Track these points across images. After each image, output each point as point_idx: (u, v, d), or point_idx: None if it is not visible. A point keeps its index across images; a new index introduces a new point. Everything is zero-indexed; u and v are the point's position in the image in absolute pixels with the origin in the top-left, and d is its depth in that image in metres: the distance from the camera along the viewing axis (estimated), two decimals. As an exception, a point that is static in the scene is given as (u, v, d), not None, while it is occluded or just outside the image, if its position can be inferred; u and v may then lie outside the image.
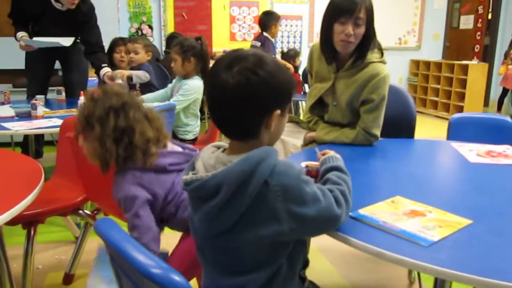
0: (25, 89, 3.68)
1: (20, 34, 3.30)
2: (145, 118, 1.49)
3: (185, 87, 3.01)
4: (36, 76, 3.59)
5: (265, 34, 4.80)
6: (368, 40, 1.82)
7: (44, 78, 3.63)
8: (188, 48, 2.93)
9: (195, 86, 3.03)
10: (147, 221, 1.42)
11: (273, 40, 4.87)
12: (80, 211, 2.15)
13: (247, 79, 0.96)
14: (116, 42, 3.68)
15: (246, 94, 0.97)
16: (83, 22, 3.42)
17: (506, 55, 6.74)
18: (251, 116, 0.99)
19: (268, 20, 4.80)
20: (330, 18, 1.81)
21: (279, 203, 0.94)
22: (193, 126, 3.23)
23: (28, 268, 1.91)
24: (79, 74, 3.66)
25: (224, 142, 1.10)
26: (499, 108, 6.99)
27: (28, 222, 1.93)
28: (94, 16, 3.50)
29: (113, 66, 3.54)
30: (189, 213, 1.09)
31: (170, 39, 4.96)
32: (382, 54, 1.89)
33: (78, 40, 3.53)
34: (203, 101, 3.30)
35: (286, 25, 6.85)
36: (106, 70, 3.38)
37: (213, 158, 1.02)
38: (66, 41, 3.30)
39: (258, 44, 4.74)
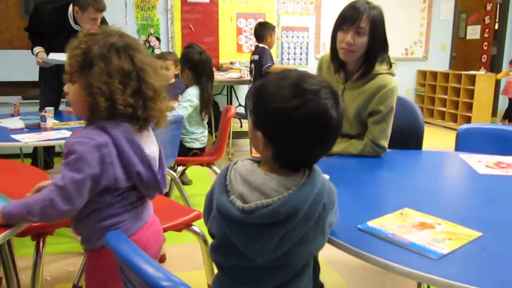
0: (34, 100, 3.73)
1: (37, 49, 3.36)
2: (152, 69, 1.28)
3: (185, 94, 3.21)
4: (49, 87, 3.64)
5: (261, 45, 4.82)
6: (374, 52, 1.82)
7: (57, 90, 3.68)
8: (185, 60, 3.13)
9: (193, 93, 3.19)
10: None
11: (270, 50, 4.88)
12: None
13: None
14: None
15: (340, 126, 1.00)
16: None
17: (511, 63, 6.73)
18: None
19: (262, 31, 4.82)
20: (336, 26, 1.85)
21: (327, 218, 1.00)
22: (199, 134, 3.29)
23: (37, 279, 1.90)
24: None
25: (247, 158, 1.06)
26: (505, 118, 6.96)
27: (37, 233, 1.93)
28: None
29: None
30: (222, 240, 1.01)
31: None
32: (390, 66, 1.90)
33: None
34: (210, 112, 3.36)
35: (292, 37, 6.88)
36: None
37: (272, 181, 0.96)
38: None
39: (257, 57, 4.76)
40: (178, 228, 1.99)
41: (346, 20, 1.79)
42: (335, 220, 1.09)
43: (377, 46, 1.82)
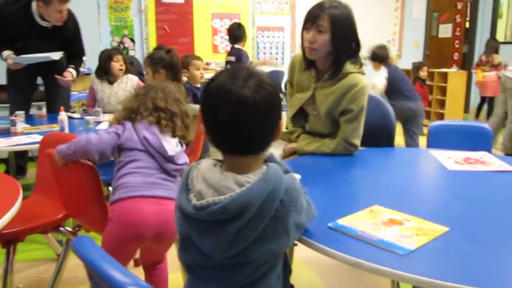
0: (3, 105, 3.64)
1: (6, 52, 3.28)
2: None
3: None
4: (19, 91, 3.56)
5: (236, 46, 4.83)
6: (340, 51, 1.84)
7: (27, 94, 3.61)
8: (157, 60, 3.03)
9: None
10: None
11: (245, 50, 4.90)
12: (61, 228, 2.12)
13: (270, 93, 0.99)
14: (112, 52, 3.70)
15: (270, 107, 1.00)
16: (70, 38, 3.45)
17: (480, 62, 6.81)
18: (272, 129, 1.03)
19: (241, 32, 4.84)
20: (302, 27, 1.88)
21: (290, 217, 1.00)
22: None
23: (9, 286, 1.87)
24: (62, 88, 3.64)
25: (212, 158, 1.09)
26: (477, 115, 7.14)
27: (8, 240, 1.89)
28: (79, 32, 3.56)
29: (111, 76, 3.56)
30: (184, 239, 1.04)
31: None
32: (361, 65, 1.92)
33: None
34: None
35: (268, 36, 6.90)
36: (69, 70, 3.52)
37: (225, 178, 0.98)
38: (56, 55, 3.30)
39: (233, 58, 4.76)
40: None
41: (308, 19, 1.83)
42: (307, 220, 1.09)
43: (341, 45, 1.83)
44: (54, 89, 3.63)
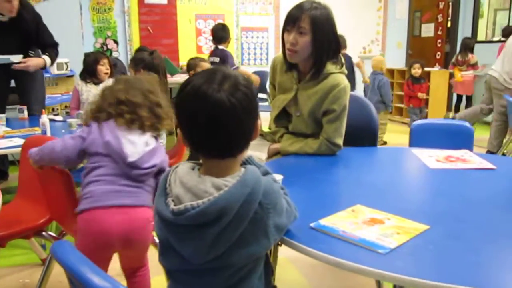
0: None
1: None
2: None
3: None
4: None
5: (220, 47, 4.81)
6: (321, 52, 1.84)
7: (1, 98, 3.55)
8: (138, 61, 3.04)
9: None
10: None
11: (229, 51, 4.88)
12: (44, 233, 2.09)
13: (245, 95, 0.99)
14: (99, 56, 3.68)
15: (247, 109, 0.99)
16: (30, 29, 3.40)
17: (456, 62, 6.88)
18: (249, 131, 1.02)
19: (225, 33, 4.83)
20: (282, 29, 1.88)
21: (270, 219, 0.99)
22: None
23: None
24: (36, 91, 3.62)
25: (190, 161, 1.08)
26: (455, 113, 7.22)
27: None
28: (41, 21, 3.49)
29: (96, 79, 3.55)
30: (164, 244, 1.04)
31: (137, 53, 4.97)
32: (342, 66, 1.93)
33: (31, 54, 3.48)
34: None
35: (252, 37, 6.91)
36: (44, 57, 3.49)
37: (203, 182, 0.97)
38: (15, 58, 3.26)
39: (217, 59, 4.74)
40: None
41: (289, 21, 1.83)
42: (288, 222, 1.09)
43: (322, 46, 1.83)
44: (27, 90, 3.58)
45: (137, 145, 1.68)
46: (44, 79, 3.70)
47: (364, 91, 5.78)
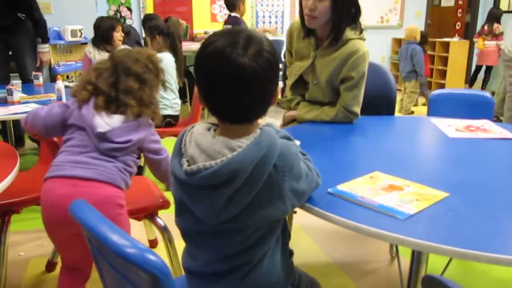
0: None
1: None
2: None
3: None
4: None
5: (233, 14, 4.72)
6: (340, 17, 1.79)
7: (4, 66, 3.60)
8: (153, 28, 3.01)
9: (168, 59, 3.14)
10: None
11: (243, 19, 4.79)
12: None
13: (268, 61, 0.96)
14: (115, 22, 3.66)
15: (269, 75, 0.97)
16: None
17: (482, 31, 6.71)
18: (268, 97, 1.00)
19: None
20: None
21: (285, 182, 0.98)
22: (171, 102, 3.23)
23: (2, 260, 1.86)
24: (31, 55, 3.68)
25: (206, 122, 1.07)
26: (471, 85, 7.10)
27: (3, 212, 1.89)
28: None
29: (109, 46, 3.55)
30: (180, 205, 1.04)
31: (145, 21, 4.93)
32: (361, 31, 1.88)
33: (22, 17, 3.50)
34: (184, 83, 3.33)
35: (267, 5, 6.78)
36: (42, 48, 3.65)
37: (216, 143, 0.96)
38: None
39: (230, 27, 4.66)
40: (136, 217, 1.84)
41: None
42: (309, 188, 1.06)
43: (341, 11, 1.78)
44: (22, 57, 3.67)
45: (112, 118, 1.56)
46: (36, 47, 3.75)
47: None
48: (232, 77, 0.93)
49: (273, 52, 0.98)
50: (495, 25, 6.45)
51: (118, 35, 3.62)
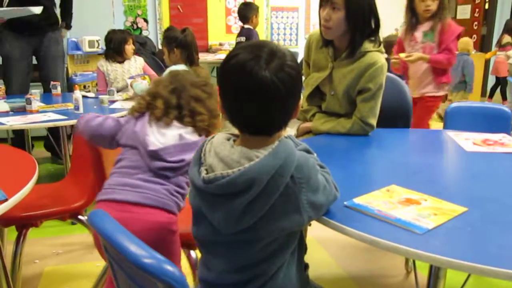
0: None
1: None
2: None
3: (164, 73, 3.24)
4: (16, 74, 3.55)
5: (246, 26, 4.76)
6: (355, 28, 1.79)
7: (24, 76, 3.62)
8: (171, 39, 3.04)
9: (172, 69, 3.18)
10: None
11: (256, 31, 4.82)
12: (80, 217, 2.03)
13: (290, 76, 0.96)
14: (127, 35, 3.73)
15: (290, 90, 0.96)
16: None
17: (498, 43, 6.74)
18: (288, 111, 1.00)
19: (247, 11, 4.75)
20: (319, 3, 1.84)
21: (302, 194, 0.97)
22: None
23: (17, 271, 1.86)
24: (56, 67, 3.71)
25: (225, 132, 1.08)
26: (490, 96, 7.06)
27: (22, 225, 1.88)
28: None
29: (121, 57, 3.62)
30: (197, 213, 1.05)
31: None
32: (380, 44, 1.88)
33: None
34: None
35: (282, 17, 6.81)
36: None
37: (235, 152, 0.98)
38: (36, 9, 3.22)
39: (243, 39, 4.69)
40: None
41: None
42: (327, 201, 1.06)
43: (357, 22, 1.78)
44: (46, 68, 3.68)
45: (166, 135, 1.50)
46: (65, 56, 3.78)
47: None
48: (253, 90, 0.94)
49: (295, 66, 0.98)
50: (504, 36, 6.49)
51: (129, 47, 3.69)
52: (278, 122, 1.01)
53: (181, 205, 1.53)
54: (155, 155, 1.46)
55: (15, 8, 3.20)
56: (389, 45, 4.67)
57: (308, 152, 1.06)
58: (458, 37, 2.92)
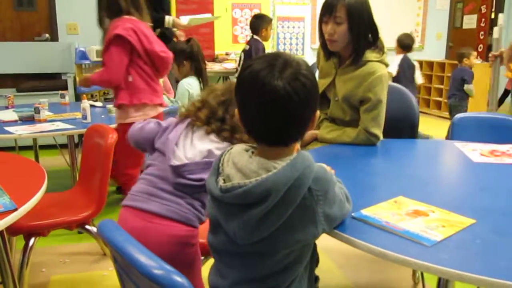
0: (29, 93, 3.68)
1: (169, 17, 3.56)
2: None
3: (178, 88, 3.28)
4: None
5: (255, 37, 4.79)
6: (358, 38, 1.84)
7: None
8: (179, 53, 3.07)
9: (185, 83, 3.23)
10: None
11: (264, 43, 4.83)
12: (88, 226, 2.04)
13: (304, 85, 0.96)
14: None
15: (304, 99, 0.96)
16: None
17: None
18: (303, 121, 1.00)
19: (258, 24, 4.78)
20: (319, 19, 1.90)
21: (319, 207, 0.98)
22: None
23: (23, 281, 1.85)
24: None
25: (246, 144, 1.08)
26: (499, 104, 7.01)
27: (29, 233, 1.88)
28: None
29: None
30: (214, 222, 1.06)
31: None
32: (382, 54, 1.91)
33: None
34: None
35: (288, 27, 6.85)
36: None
37: (253, 163, 0.98)
38: (213, 17, 3.56)
39: (247, 47, 4.73)
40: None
41: (325, 11, 1.85)
42: (341, 214, 1.06)
43: (359, 33, 1.84)
44: None
45: (195, 148, 1.47)
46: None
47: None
48: (266, 100, 0.95)
49: (310, 76, 0.98)
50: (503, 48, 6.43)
51: None
52: (294, 133, 1.01)
53: (203, 219, 1.51)
54: (176, 170, 1.44)
55: (200, 16, 3.43)
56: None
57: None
58: None
